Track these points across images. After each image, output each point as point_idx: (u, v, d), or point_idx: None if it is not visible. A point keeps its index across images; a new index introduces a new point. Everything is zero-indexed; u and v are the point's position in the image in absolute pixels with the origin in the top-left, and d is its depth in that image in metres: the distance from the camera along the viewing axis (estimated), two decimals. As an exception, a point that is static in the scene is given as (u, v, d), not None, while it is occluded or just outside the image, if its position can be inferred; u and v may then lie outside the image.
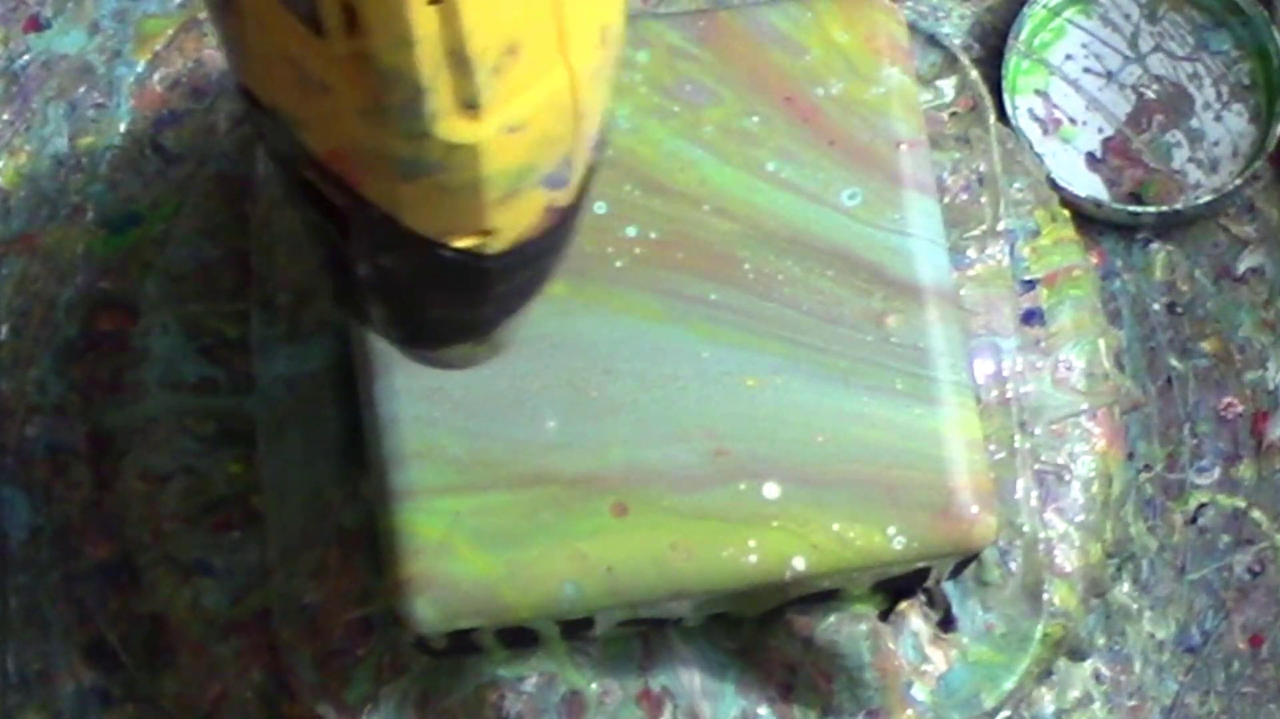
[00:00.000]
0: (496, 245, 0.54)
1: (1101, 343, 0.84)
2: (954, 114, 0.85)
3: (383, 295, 0.58)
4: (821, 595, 0.76)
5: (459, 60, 0.48)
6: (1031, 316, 0.84)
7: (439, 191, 0.52)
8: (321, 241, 0.56)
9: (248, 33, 0.50)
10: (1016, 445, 0.81)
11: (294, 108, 0.51)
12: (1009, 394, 0.81)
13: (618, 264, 0.74)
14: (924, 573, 0.76)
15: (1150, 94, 0.92)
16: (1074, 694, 0.85)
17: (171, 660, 0.84)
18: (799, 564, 0.71)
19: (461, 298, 0.57)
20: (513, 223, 0.54)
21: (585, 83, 0.51)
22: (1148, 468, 0.88)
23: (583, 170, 0.55)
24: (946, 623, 0.80)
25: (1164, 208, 0.90)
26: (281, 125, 0.52)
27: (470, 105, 0.49)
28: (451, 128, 0.50)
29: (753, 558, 0.71)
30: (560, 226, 0.56)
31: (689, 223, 0.74)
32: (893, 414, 0.73)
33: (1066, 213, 0.87)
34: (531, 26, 0.49)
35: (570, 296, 0.73)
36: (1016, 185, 0.86)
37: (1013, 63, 0.91)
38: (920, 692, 0.79)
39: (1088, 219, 0.90)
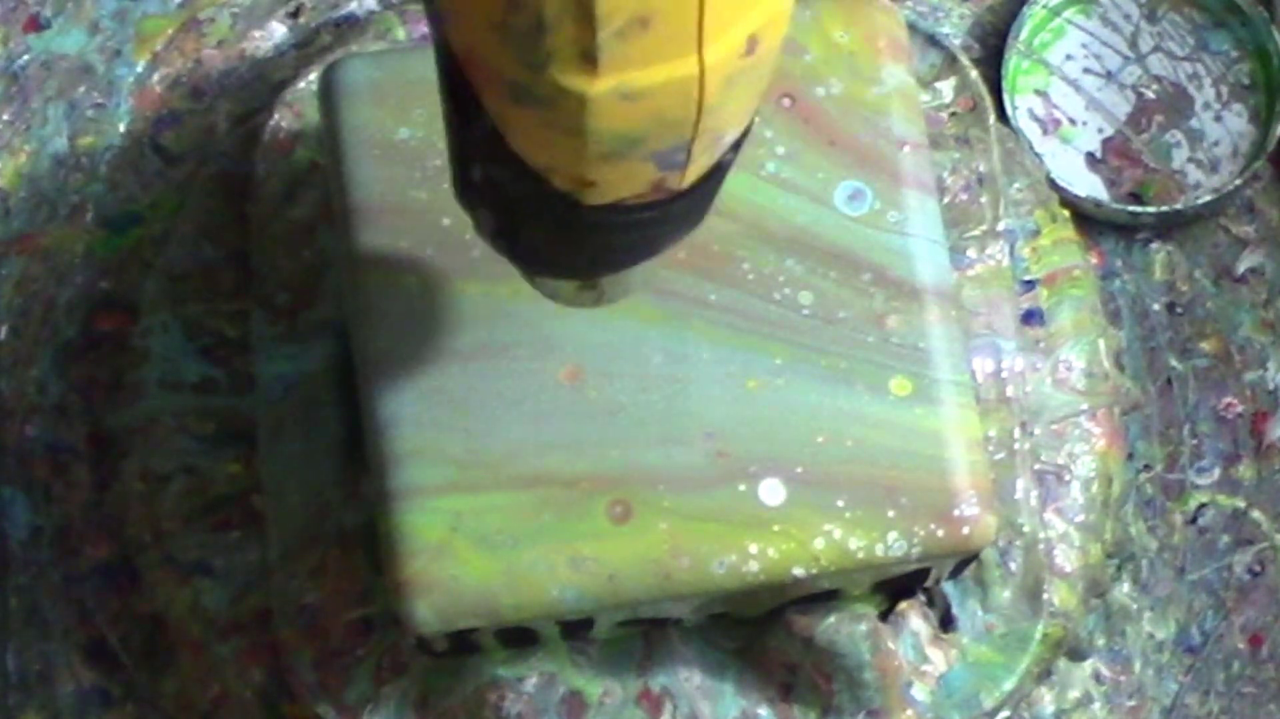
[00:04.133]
0: (595, 198, 0.55)
1: (1101, 343, 0.84)
2: (954, 114, 0.85)
3: (490, 204, 0.58)
4: (821, 595, 0.76)
5: (584, 12, 0.49)
6: (1031, 316, 0.84)
7: (544, 127, 0.52)
8: (449, 128, 0.57)
9: None
10: (1016, 445, 0.81)
11: None
12: (1009, 394, 0.81)
13: (618, 264, 0.74)
14: (924, 573, 0.76)
15: (1150, 94, 0.92)
16: (1074, 694, 0.85)
17: (171, 660, 0.84)
18: (799, 568, 0.71)
19: (559, 235, 0.58)
20: (614, 183, 0.54)
21: (718, 82, 0.51)
22: (1148, 468, 0.88)
23: (704, 162, 0.55)
24: (946, 623, 0.80)
25: (1164, 208, 0.90)
26: (433, 10, 0.53)
27: (587, 58, 0.50)
28: (564, 72, 0.50)
29: (753, 564, 0.71)
30: (670, 204, 0.56)
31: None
32: (893, 415, 0.73)
33: (1066, 213, 0.87)
34: (666, 12, 0.49)
35: (570, 297, 0.73)
36: (1016, 185, 0.86)
37: (1013, 63, 0.91)
38: (920, 692, 0.79)
39: (1088, 219, 0.90)
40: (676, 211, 0.57)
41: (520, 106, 0.52)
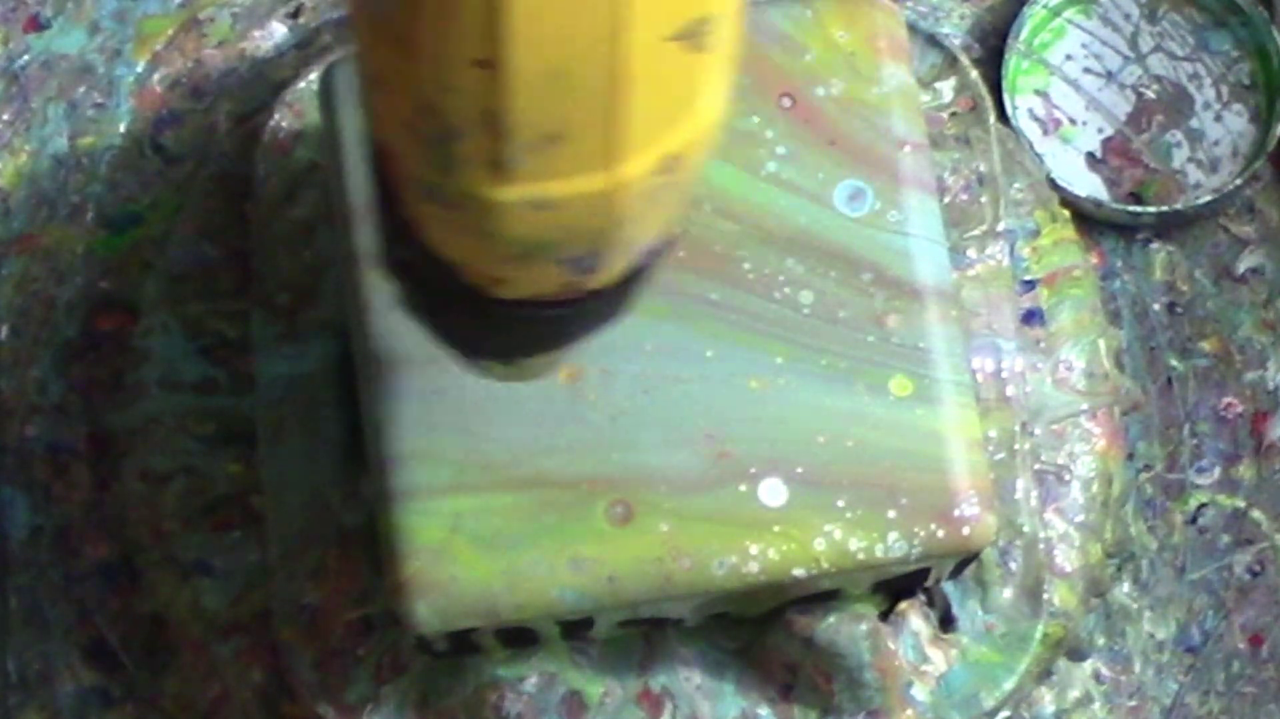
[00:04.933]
0: (505, 293, 0.55)
1: (1101, 343, 0.84)
2: (954, 114, 0.85)
3: (409, 281, 0.58)
4: (821, 595, 0.76)
5: (493, 125, 0.48)
6: (1031, 316, 0.84)
7: (453, 226, 0.52)
8: (376, 204, 0.57)
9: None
10: (1016, 445, 0.81)
11: (367, 86, 0.52)
12: (1009, 394, 0.81)
13: (618, 264, 0.74)
14: (924, 573, 0.76)
15: (1150, 94, 0.92)
16: (1074, 694, 0.85)
17: (171, 660, 0.84)
18: (799, 569, 0.71)
19: (472, 320, 0.58)
20: (524, 282, 0.54)
21: (631, 198, 0.51)
22: (1148, 468, 0.88)
23: (618, 267, 0.54)
24: (946, 623, 0.80)
25: (1164, 208, 0.90)
26: (364, 83, 0.53)
27: (497, 167, 0.49)
28: (474, 179, 0.50)
29: (754, 564, 0.71)
30: (584, 303, 0.55)
31: (690, 223, 0.74)
32: (893, 415, 0.73)
33: (1066, 213, 0.87)
34: (578, 129, 0.49)
35: (571, 297, 0.73)
36: (1016, 185, 0.86)
37: (1013, 63, 0.91)
38: (920, 692, 0.79)
39: (1088, 219, 0.90)
40: (590, 309, 0.56)
41: (431, 204, 0.52)
